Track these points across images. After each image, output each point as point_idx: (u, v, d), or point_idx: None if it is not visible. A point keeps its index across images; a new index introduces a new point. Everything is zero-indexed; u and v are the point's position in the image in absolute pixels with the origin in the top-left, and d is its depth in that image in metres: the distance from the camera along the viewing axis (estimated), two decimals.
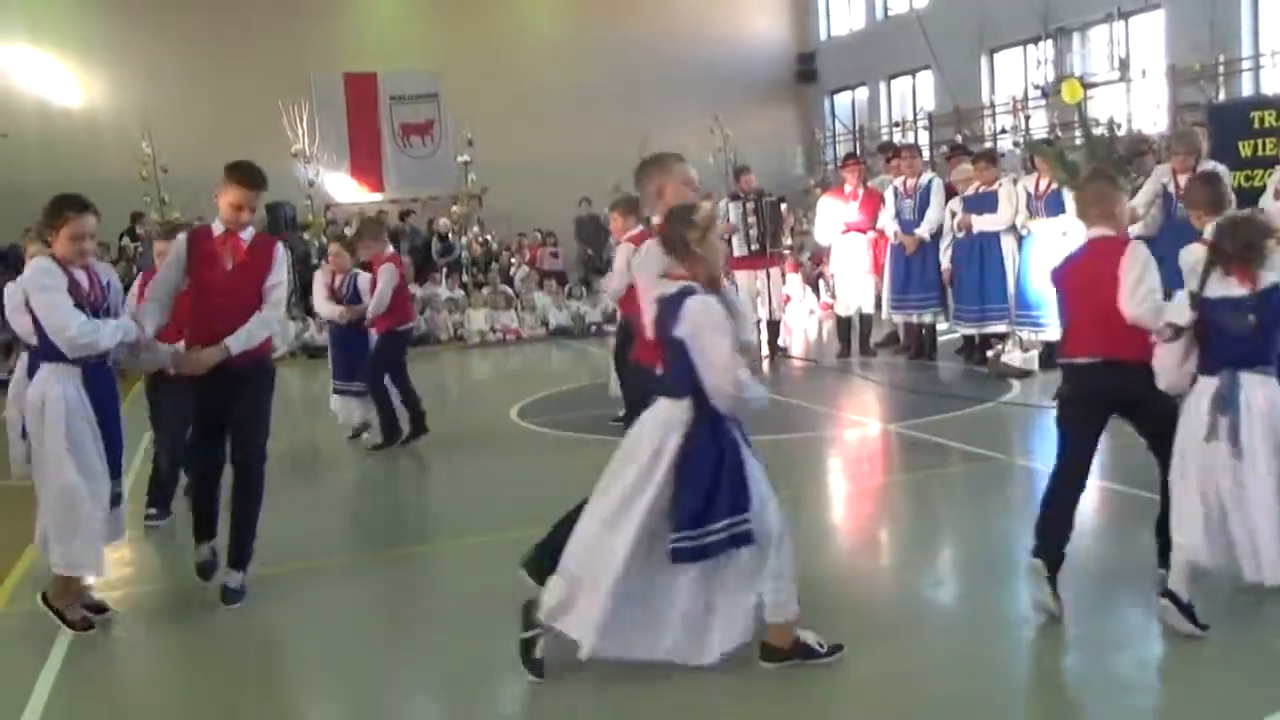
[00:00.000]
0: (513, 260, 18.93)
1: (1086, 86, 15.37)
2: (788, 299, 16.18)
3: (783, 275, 12.50)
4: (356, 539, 6.63)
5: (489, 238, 19.40)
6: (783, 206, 12.51)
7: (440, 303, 16.79)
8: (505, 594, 4.42)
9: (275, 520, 5.47)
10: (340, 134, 20.83)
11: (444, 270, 17.89)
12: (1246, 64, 15.10)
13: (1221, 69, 14.78)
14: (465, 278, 17.81)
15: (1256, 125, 11.60)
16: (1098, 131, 11.45)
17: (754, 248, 11.68)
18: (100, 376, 4.81)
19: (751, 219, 11.68)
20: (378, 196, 21.41)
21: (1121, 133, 12.69)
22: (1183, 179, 7.78)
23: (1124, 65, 16.66)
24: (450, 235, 18.63)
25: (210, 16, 19.84)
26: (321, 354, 12.39)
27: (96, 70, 20.00)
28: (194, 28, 19.81)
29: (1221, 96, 14.43)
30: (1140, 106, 16.06)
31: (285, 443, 8.01)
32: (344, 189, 21.12)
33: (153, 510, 6.56)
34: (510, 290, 17.29)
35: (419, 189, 21.02)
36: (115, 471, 4.89)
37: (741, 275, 12.12)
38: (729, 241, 12.27)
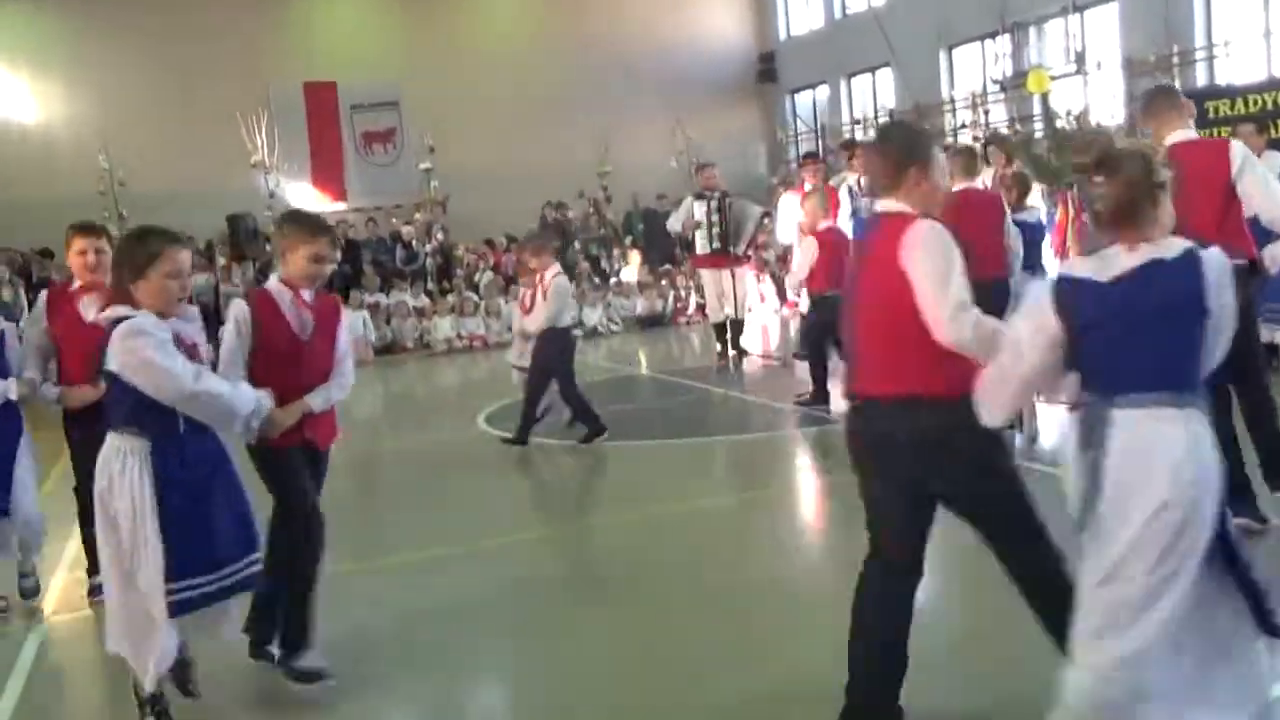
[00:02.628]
0: (478, 266, 18.85)
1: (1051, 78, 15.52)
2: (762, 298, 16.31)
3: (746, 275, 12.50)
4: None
5: (456, 245, 19.30)
6: (757, 209, 12.46)
7: (406, 310, 16.70)
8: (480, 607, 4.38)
9: None
10: (301, 144, 20.64)
11: (409, 278, 17.79)
12: (1200, 54, 15.26)
13: (1176, 60, 14.94)
14: (430, 285, 17.72)
15: (1212, 115, 11.78)
16: (1060, 124, 11.53)
17: (716, 246, 11.67)
18: None
19: (715, 217, 11.67)
20: (340, 205, 21.25)
21: (1077, 125, 12.81)
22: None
23: (1080, 58, 16.80)
24: (414, 243, 18.53)
25: (167, 27, 19.60)
26: None
27: (51, 84, 19.71)
28: (150, 39, 19.58)
29: (1177, 87, 14.57)
30: (1097, 98, 16.20)
31: None
32: (306, 199, 20.94)
33: None
34: (475, 297, 17.21)
35: (382, 197, 20.89)
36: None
37: (706, 274, 12.16)
38: (692, 239, 12.28)
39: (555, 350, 8.26)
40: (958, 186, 9.41)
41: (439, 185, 18.56)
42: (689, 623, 4.71)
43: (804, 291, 9.90)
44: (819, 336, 8.93)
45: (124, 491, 3.60)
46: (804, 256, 9.07)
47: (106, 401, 3.78)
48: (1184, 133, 5.22)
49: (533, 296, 8.39)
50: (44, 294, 5.54)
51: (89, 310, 4.86)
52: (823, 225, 9.07)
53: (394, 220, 19.51)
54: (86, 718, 4.49)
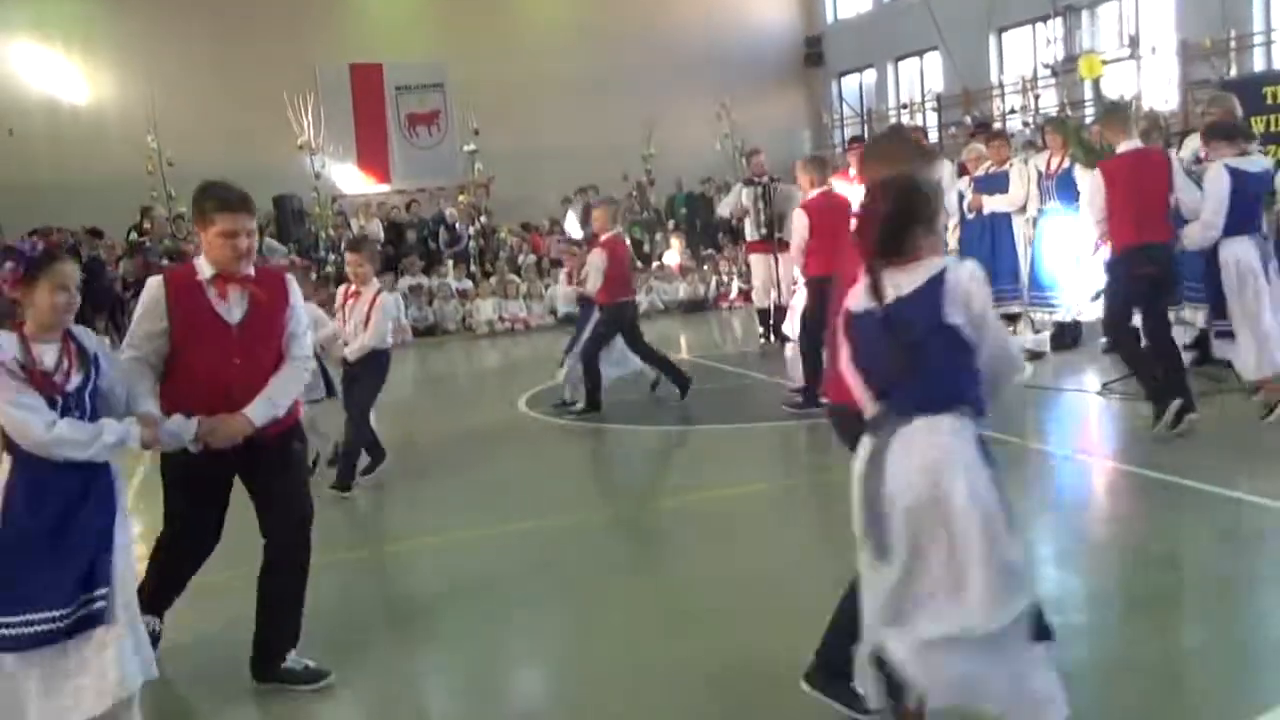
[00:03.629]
0: (521, 249, 18.83)
1: (1103, 63, 15.26)
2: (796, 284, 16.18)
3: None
4: (354, 533, 6.60)
5: (499, 227, 19.31)
6: (799, 194, 12.37)
7: (449, 292, 16.75)
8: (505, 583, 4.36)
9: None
10: (346, 125, 20.74)
11: (451, 260, 17.84)
12: (1258, 39, 14.92)
13: (1233, 45, 14.62)
14: (473, 267, 17.75)
15: (1269, 101, 11.48)
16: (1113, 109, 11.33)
17: (764, 232, 11.61)
18: None
19: (762, 203, 11.61)
20: (385, 187, 21.37)
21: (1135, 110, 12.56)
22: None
23: (1134, 42, 16.48)
24: (457, 225, 18.57)
25: (214, 9, 19.79)
26: None
27: (101, 65, 19.97)
28: (197, 21, 19.76)
29: (1233, 72, 14.27)
30: (1151, 84, 15.89)
31: None
32: (351, 180, 21.07)
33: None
34: (518, 279, 17.23)
35: (425, 179, 20.97)
36: None
37: (755, 259, 12.10)
38: (742, 226, 12.23)
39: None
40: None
41: (483, 168, 18.57)
42: (718, 603, 4.68)
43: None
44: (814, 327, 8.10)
45: None
46: (796, 230, 8.40)
47: None
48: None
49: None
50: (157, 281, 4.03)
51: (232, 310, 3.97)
52: (813, 193, 8.45)
53: (440, 203, 19.57)
54: None
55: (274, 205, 17.90)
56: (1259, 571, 4.76)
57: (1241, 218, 6.74)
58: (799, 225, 8.29)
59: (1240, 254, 6.78)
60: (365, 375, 6.92)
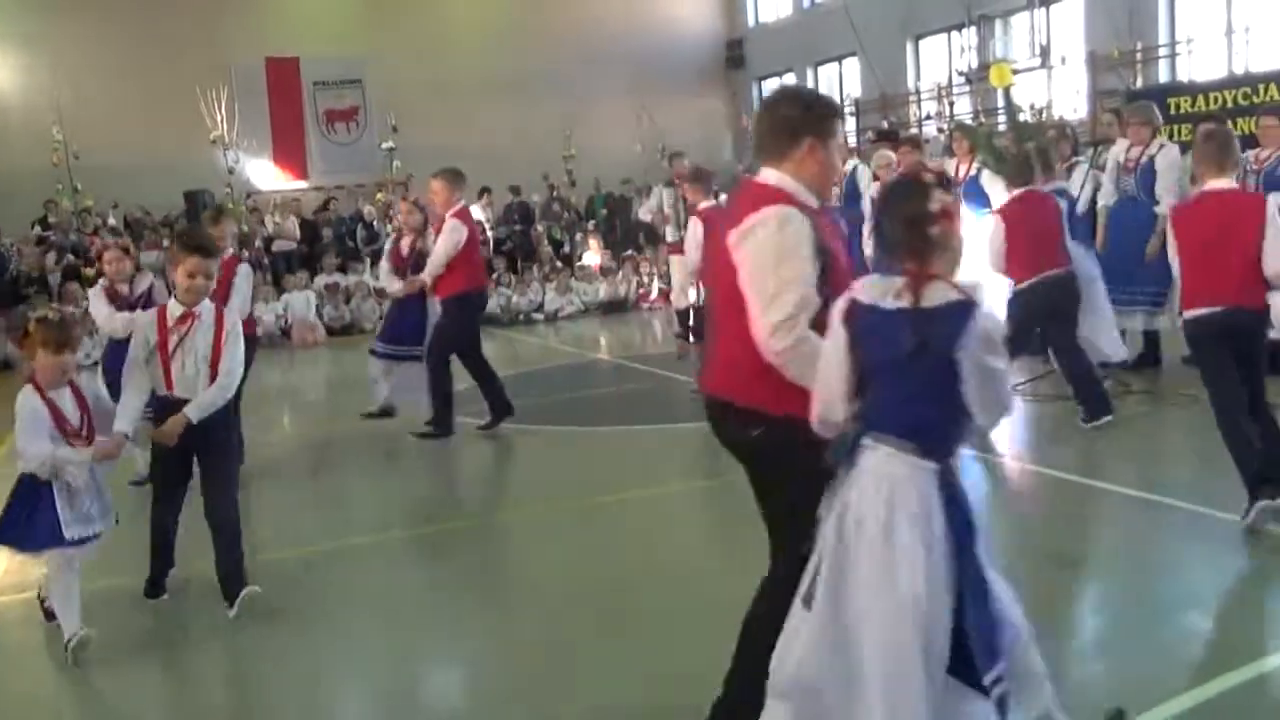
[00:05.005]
0: None
1: (1014, 72, 15.56)
2: None
3: None
4: (281, 535, 6.48)
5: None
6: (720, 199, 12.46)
7: (366, 291, 16.52)
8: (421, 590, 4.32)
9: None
10: (262, 120, 20.37)
11: (369, 259, 17.61)
12: (1163, 51, 15.37)
13: (1139, 56, 15.04)
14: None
15: (1173, 111, 11.84)
16: (1023, 117, 11.55)
17: (682, 234, 11.63)
18: None
19: (681, 205, 11.64)
20: (302, 184, 21.03)
21: (1043, 119, 12.86)
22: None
23: (1045, 52, 16.88)
24: (375, 223, 18.34)
25: None
26: None
27: (5, 54, 19.34)
28: (107, 10, 19.24)
29: (1139, 83, 14.68)
30: (1061, 93, 16.28)
31: None
32: (266, 176, 20.69)
33: None
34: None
35: (343, 176, 20.69)
36: None
37: (675, 260, 12.12)
38: (663, 228, 12.25)
39: None
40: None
41: (401, 165, 18.37)
42: (637, 603, 4.68)
43: None
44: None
45: None
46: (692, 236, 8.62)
47: None
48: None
49: None
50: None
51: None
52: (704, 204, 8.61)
53: (359, 200, 19.32)
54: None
55: (185, 201, 17.51)
56: (1167, 570, 4.89)
57: None
58: (694, 233, 8.57)
59: None
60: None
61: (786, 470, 3.10)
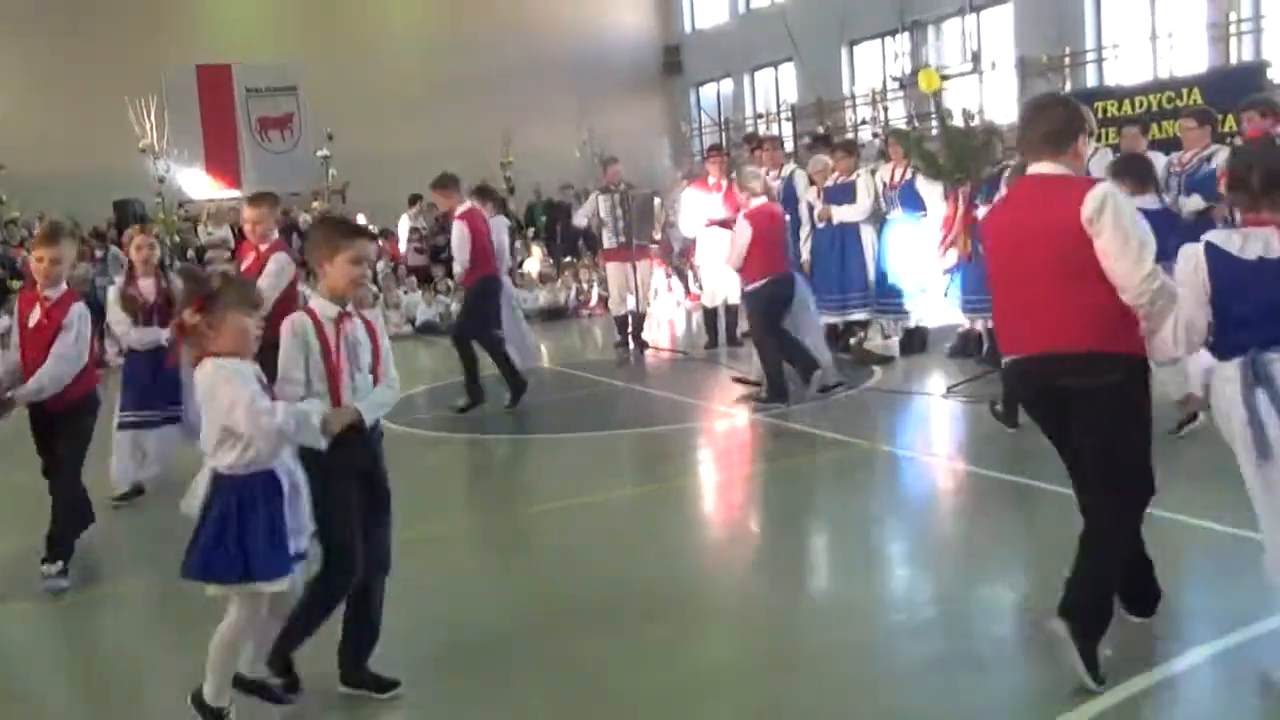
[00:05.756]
0: (378, 256, 18.47)
1: (944, 77, 15.78)
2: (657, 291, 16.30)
3: (650, 267, 12.48)
4: None
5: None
6: (656, 201, 12.50)
7: (301, 301, 16.31)
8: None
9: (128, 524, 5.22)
10: (193, 128, 20.08)
11: (305, 269, 17.38)
12: (1090, 56, 15.68)
13: (1067, 61, 15.32)
14: None
15: (1101, 114, 12.09)
16: (952, 122, 11.71)
17: (621, 240, 11.65)
18: None
19: (619, 210, 11.64)
20: (235, 192, 20.72)
21: (975, 123, 13.04)
22: None
23: (976, 58, 17.14)
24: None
25: (53, 4, 18.90)
26: None
27: None
28: (35, 15, 18.84)
29: (1068, 87, 14.96)
30: (992, 98, 16.54)
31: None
32: (198, 185, 20.38)
33: None
34: (374, 288, 16.86)
35: (278, 184, 20.30)
36: None
37: (611, 267, 12.12)
38: (599, 234, 12.25)
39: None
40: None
41: (337, 173, 18.20)
42: (578, 608, 4.66)
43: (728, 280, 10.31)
44: (770, 328, 8.63)
45: None
46: (738, 238, 8.78)
47: None
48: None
49: None
50: None
51: None
52: (754, 203, 8.75)
53: (293, 209, 19.08)
54: None
55: (115, 210, 17.21)
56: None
57: None
58: (742, 233, 8.82)
59: None
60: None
61: (1135, 408, 3.68)
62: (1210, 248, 3.53)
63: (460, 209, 9.27)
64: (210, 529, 3.55)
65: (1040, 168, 3.78)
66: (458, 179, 9.59)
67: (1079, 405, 3.65)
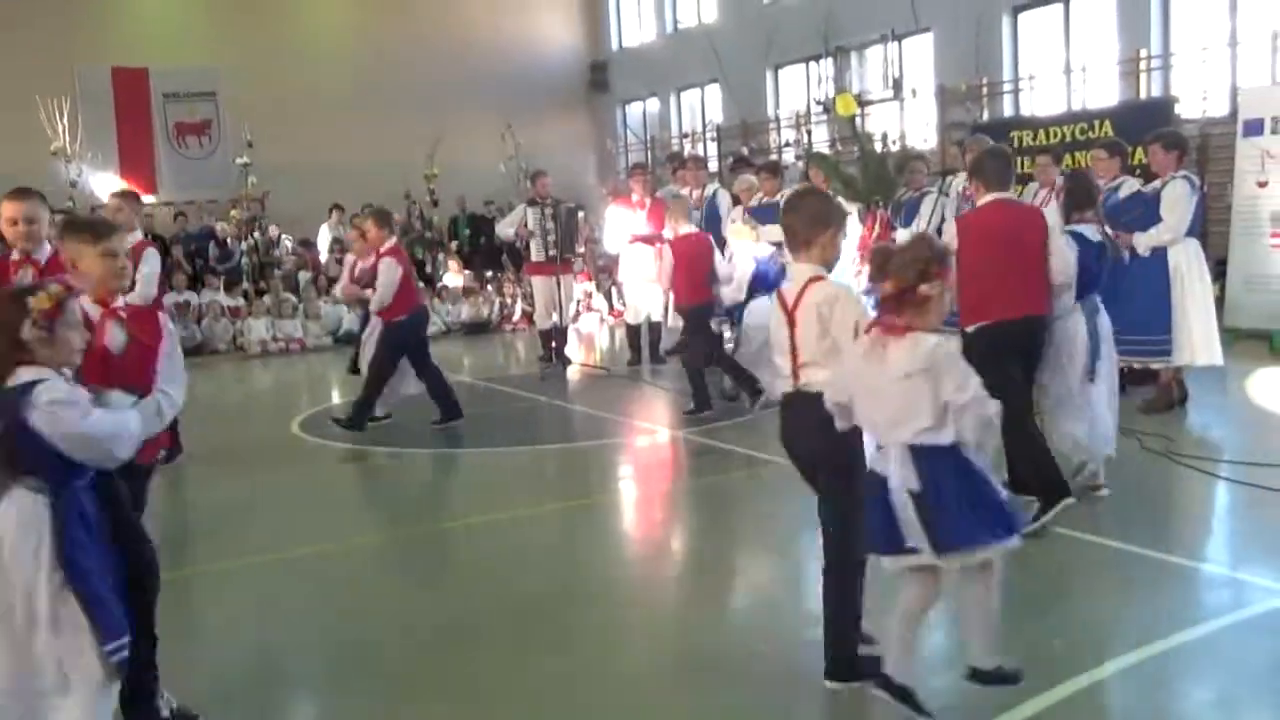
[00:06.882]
0: (298, 267, 18.21)
1: (863, 104, 16.07)
2: (582, 308, 16.34)
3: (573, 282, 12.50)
4: None
5: (278, 242, 18.61)
6: (580, 215, 12.54)
7: (219, 310, 16.01)
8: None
9: None
10: (108, 132, 19.59)
11: (222, 278, 17.08)
12: (1007, 86, 16.07)
13: (985, 90, 15.69)
14: (245, 284, 17.02)
15: (1016, 144, 12.40)
16: (870, 146, 11.94)
17: (550, 254, 11.63)
18: None
19: (549, 225, 11.62)
20: (151, 198, 20.26)
21: (895, 148, 13.31)
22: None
23: (897, 85, 17.47)
24: (229, 241, 17.79)
25: None
26: None
27: None
28: None
29: (986, 116, 15.32)
30: (912, 124, 16.87)
31: None
32: (111, 189, 19.87)
33: None
34: (294, 298, 16.63)
35: (195, 191, 20.01)
36: None
37: (537, 281, 12.09)
38: (525, 248, 12.22)
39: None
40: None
41: (257, 181, 17.90)
42: (497, 624, 4.63)
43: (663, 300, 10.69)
44: (701, 351, 9.09)
45: None
46: (664, 265, 9.45)
47: None
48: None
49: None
50: None
51: None
52: (683, 230, 9.22)
53: (207, 217, 18.75)
54: None
55: None
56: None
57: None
58: (667, 260, 9.33)
59: None
60: None
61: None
62: None
63: (388, 244, 8.88)
64: None
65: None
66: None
67: None
